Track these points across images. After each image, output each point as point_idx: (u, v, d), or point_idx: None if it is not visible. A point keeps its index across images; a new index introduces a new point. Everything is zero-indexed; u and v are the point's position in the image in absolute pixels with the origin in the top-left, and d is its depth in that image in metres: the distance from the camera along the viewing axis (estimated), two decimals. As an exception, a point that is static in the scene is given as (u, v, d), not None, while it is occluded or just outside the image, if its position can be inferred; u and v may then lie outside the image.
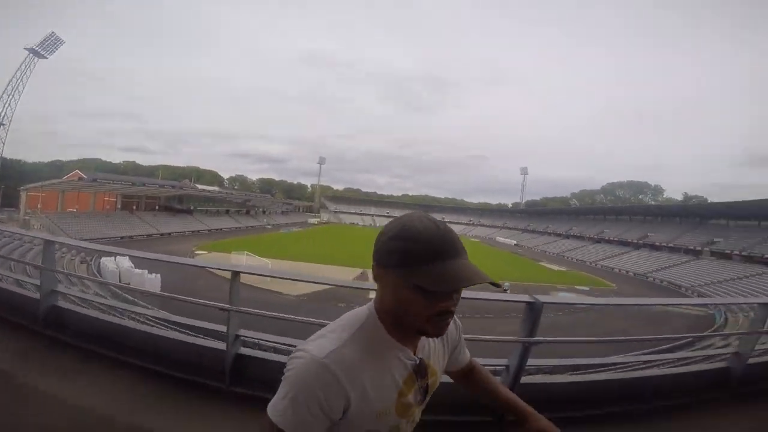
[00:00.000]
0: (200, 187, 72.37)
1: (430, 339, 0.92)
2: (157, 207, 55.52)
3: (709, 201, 72.10)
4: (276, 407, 0.76)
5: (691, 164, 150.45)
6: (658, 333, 17.59)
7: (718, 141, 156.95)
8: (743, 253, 36.71)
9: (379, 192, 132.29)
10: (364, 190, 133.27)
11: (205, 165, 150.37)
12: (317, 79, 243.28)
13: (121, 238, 39.09)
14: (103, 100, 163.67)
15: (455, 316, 0.89)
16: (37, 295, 2.81)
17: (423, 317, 0.76)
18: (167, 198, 56.93)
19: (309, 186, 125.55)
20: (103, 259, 23.54)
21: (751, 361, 2.82)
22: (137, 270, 21.05)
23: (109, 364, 2.39)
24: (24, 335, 2.68)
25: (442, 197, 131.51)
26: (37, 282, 2.82)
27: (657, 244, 50.03)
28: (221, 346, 2.44)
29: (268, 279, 24.17)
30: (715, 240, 43.04)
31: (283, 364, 2.30)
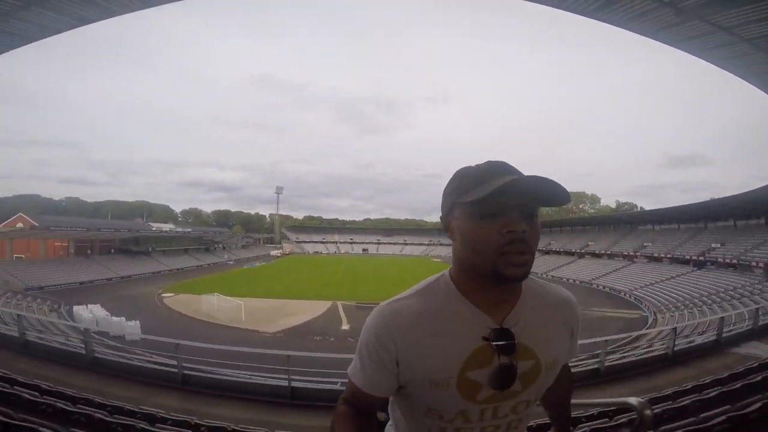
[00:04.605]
0: (155, 226, 71.06)
1: (527, 312, 0.79)
2: (112, 250, 54.14)
3: (637, 205, 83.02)
4: (351, 364, 0.83)
5: (619, 170, 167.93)
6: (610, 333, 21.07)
7: (640, 147, 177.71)
8: (668, 256, 41.71)
9: (341, 218, 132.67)
10: (325, 216, 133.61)
11: (154, 197, 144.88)
12: (268, 104, 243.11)
13: (81, 283, 38.30)
14: (36, 126, 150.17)
15: (573, 299, 0.91)
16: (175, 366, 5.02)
17: (492, 250, 0.68)
18: (123, 240, 55.74)
19: (267, 216, 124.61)
20: (76, 307, 23.85)
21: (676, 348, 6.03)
22: (115, 318, 21.69)
23: (234, 399, 4.70)
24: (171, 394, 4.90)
25: (403, 218, 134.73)
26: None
27: (597, 251, 55.37)
28: (283, 383, 4.85)
29: (242, 317, 25.71)
30: (645, 245, 48.36)
31: (315, 390, 5.55)
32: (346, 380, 0.84)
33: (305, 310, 28.11)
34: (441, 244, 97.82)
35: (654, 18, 8.35)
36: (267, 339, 20.56)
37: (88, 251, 50.53)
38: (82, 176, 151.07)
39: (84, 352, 5.30)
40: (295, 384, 4.90)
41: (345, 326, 24.56)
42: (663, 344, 6.31)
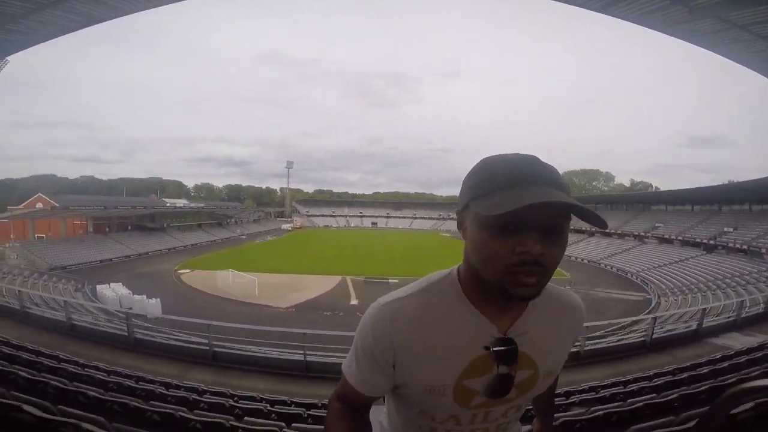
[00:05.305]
0: (169, 202, 72.47)
1: (534, 321, 0.75)
2: (129, 227, 55.82)
3: (652, 185, 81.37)
4: (346, 359, 0.82)
5: (638, 148, 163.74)
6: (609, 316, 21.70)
7: (661, 126, 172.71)
8: (679, 238, 41.20)
9: (350, 191, 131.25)
10: (335, 190, 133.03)
11: (166, 173, 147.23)
12: (277, 79, 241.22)
13: (101, 261, 39.89)
14: (46, 109, 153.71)
15: (582, 307, 0.84)
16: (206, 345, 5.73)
17: (500, 265, 0.61)
18: (138, 217, 57.32)
19: (278, 190, 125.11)
20: (99, 287, 25.15)
21: (654, 336, 6.54)
22: (137, 296, 22.86)
23: (258, 372, 5.42)
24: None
25: (413, 192, 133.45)
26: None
27: (608, 231, 54.74)
28: (299, 357, 5.54)
29: (256, 293, 26.88)
30: (656, 225, 47.80)
31: (328, 364, 6.42)
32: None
33: (315, 285, 29.16)
34: (451, 218, 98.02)
35: (666, 15, 8.45)
36: (279, 314, 21.57)
37: (106, 229, 52.09)
38: (95, 155, 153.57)
39: (126, 334, 6.05)
40: (310, 358, 5.60)
41: (354, 301, 25.54)
42: (643, 332, 6.80)
